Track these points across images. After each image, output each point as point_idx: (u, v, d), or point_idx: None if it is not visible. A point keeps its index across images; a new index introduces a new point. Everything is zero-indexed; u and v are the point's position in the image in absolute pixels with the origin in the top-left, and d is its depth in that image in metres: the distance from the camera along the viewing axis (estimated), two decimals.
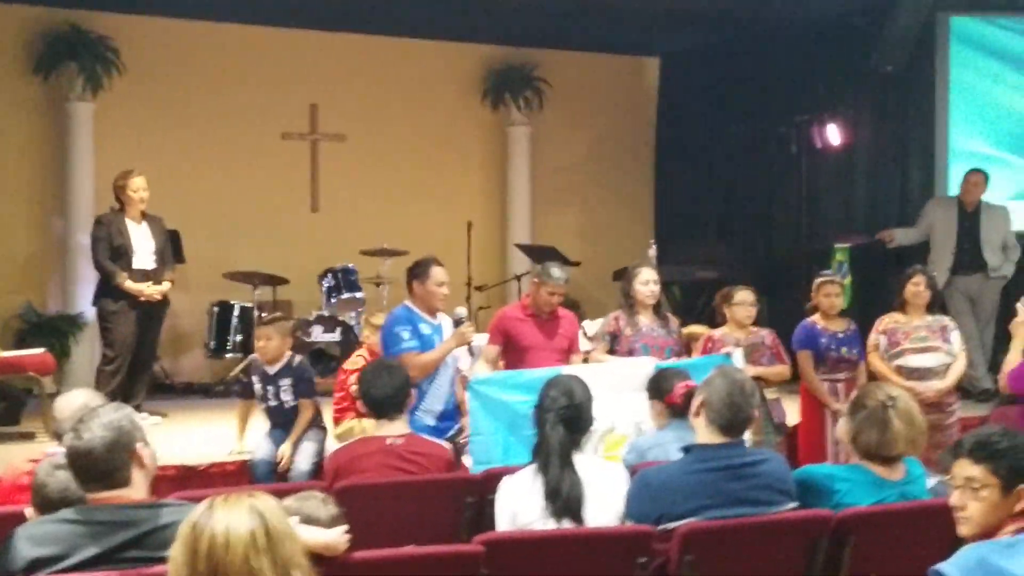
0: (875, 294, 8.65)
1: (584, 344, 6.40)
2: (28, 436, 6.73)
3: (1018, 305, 5.21)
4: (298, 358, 6.07)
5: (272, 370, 5.99)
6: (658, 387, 4.61)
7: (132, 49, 9.58)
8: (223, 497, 2.08)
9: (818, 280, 6.64)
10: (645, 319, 6.19)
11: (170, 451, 6.29)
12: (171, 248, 7.64)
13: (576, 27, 10.38)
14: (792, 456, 6.45)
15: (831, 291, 6.52)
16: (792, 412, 6.61)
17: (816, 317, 6.52)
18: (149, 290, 7.23)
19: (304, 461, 5.72)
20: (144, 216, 7.39)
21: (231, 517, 2.01)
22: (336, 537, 2.95)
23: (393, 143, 10.70)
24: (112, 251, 7.21)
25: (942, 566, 2.64)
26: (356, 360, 6.21)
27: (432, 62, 10.89)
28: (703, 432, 3.62)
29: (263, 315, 8.95)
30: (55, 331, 8.85)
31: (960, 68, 9.31)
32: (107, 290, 7.26)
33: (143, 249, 7.32)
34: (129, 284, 7.18)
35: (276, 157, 10.31)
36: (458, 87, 11.05)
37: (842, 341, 6.44)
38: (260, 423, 6.14)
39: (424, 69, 10.84)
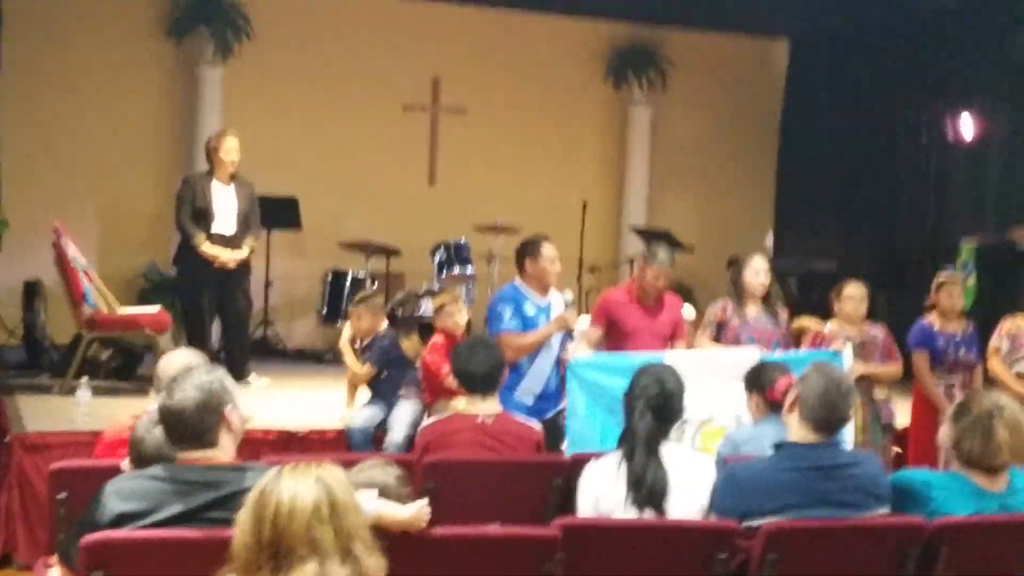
0: (1001, 295, 8.35)
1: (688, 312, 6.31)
2: (141, 391, 6.96)
3: None
4: (389, 334, 6.15)
5: (365, 343, 6.14)
6: (758, 380, 4.53)
7: (262, 16, 9.80)
8: (292, 465, 2.12)
9: (939, 278, 6.45)
10: (753, 310, 6.09)
11: (276, 416, 6.47)
12: (258, 214, 7.48)
13: (703, 6, 10.22)
14: (902, 459, 6.30)
15: (953, 291, 6.33)
16: (904, 413, 6.43)
17: (933, 316, 6.33)
18: (224, 255, 7.15)
19: (398, 432, 5.79)
20: (233, 179, 7.28)
21: (297, 486, 2.05)
22: (417, 512, 2.98)
23: (513, 118, 10.72)
24: (194, 212, 7.15)
25: None
26: (433, 347, 6.21)
27: (555, 38, 10.86)
28: (796, 429, 3.54)
29: (371, 286, 9.14)
30: (176, 290, 9.12)
31: None
32: (186, 252, 7.24)
33: (226, 212, 7.22)
34: (205, 248, 7.11)
35: (396, 128, 10.43)
36: (581, 64, 10.99)
37: (960, 343, 6.25)
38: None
39: (547, 45, 10.82)
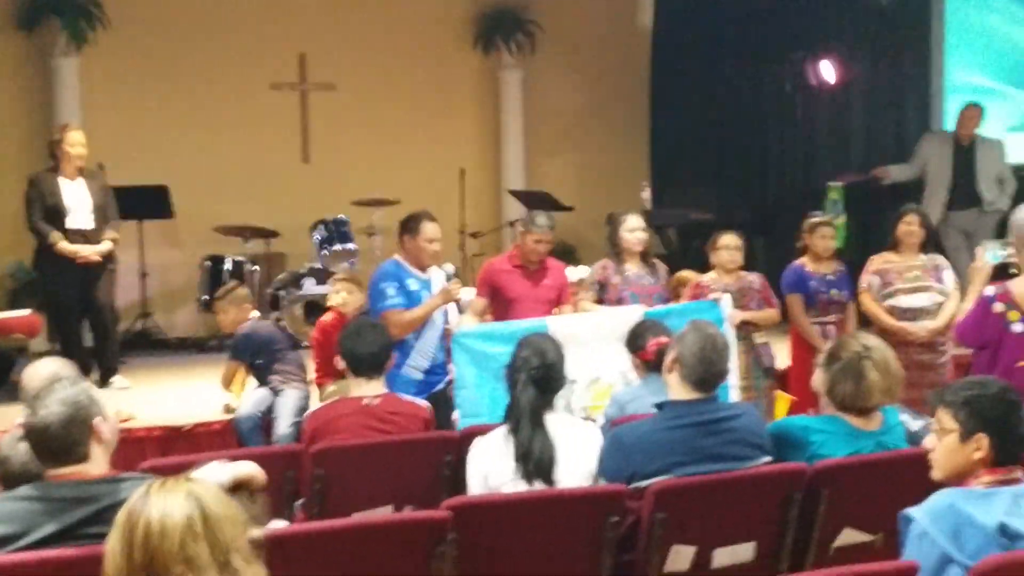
0: (871, 233, 8.59)
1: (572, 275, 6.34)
2: (16, 398, 6.72)
3: (977, 249, 5.08)
4: (248, 325, 6.08)
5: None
6: (634, 341, 4.58)
7: (116, 2, 9.45)
8: (160, 482, 2.05)
9: (811, 221, 6.57)
10: (633, 267, 6.15)
11: (159, 411, 6.32)
12: (115, 205, 7.19)
13: None
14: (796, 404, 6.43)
15: (825, 232, 6.46)
16: (783, 355, 6.58)
17: (805, 259, 6.46)
18: (85, 251, 6.87)
19: (283, 424, 5.72)
20: (81, 172, 7.00)
21: (167, 503, 1.98)
22: (253, 468, 2.87)
23: (383, 91, 10.57)
24: (45, 211, 6.86)
25: (912, 510, 2.66)
26: (327, 324, 6.15)
27: (421, 6, 10.72)
28: (676, 388, 3.58)
29: (252, 268, 8.98)
30: (40, 293, 8.83)
31: (956, 0, 9.15)
32: (45, 254, 6.95)
33: (79, 208, 6.93)
34: (63, 246, 6.82)
35: (265, 108, 10.19)
36: (448, 32, 10.89)
37: (832, 283, 6.39)
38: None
39: (413, 14, 10.68)
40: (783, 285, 6.43)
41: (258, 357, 5.99)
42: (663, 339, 4.35)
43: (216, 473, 2.71)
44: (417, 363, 5.65)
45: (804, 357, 6.35)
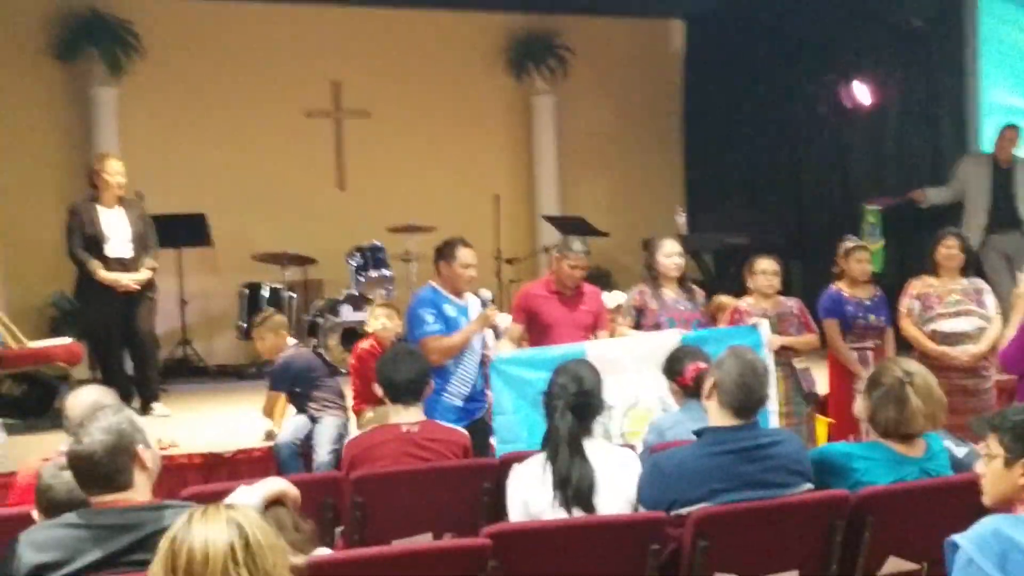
0: (909, 257, 8.52)
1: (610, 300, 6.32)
2: (59, 425, 6.78)
3: (1019, 274, 5.02)
4: (287, 353, 6.09)
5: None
6: (671, 368, 4.55)
7: (153, 32, 9.61)
8: (202, 510, 2.06)
9: (846, 246, 6.52)
10: (670, 292, 6.12)
11: (200, 437, 6.36)
12: (154, 233, 7.26)
13: None
14: (833, 428, 6.38)
15: (861, 257, 6.41)
16: (822, 381, 6.52)
17: (842, 284, 6.41)
18: (125, 279, 6.94)
19: (323, 452, 5.74)
20: (120, 201, 7.07)
21: (209, 530, 1.99)
22: (284, 484, 2.86)
23: (417, 118, 10.65)
24: (85, 240, 6.92)
25: (957, 537, 2.64)
26: (365, 352, 6.17)
27: (453, 33, 10.81)
28: (715, 414, 3.56)
29: (289, 296, 9.03)
30: (82, 322, 8.92)
31: (991, 20, 9.09)
32: (86, 283, 7.01)
33: (118, 237, 7.00)
34: (103, 274, 6.89)
35: (300, 135, 10.32)
36: (480, 58, 10.96)
37: (869, 308, 6.34)
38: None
39: (445, 41, 10.77)
40: (820, 310, 6.38)
41: (296, 385, 6.01)
42: (701, 364, 4.33)
43: (247, 496, 2.71)
44: (456, 390, 5.64)
45: (842, 382, 6.31)
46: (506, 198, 10.46)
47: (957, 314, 6.20)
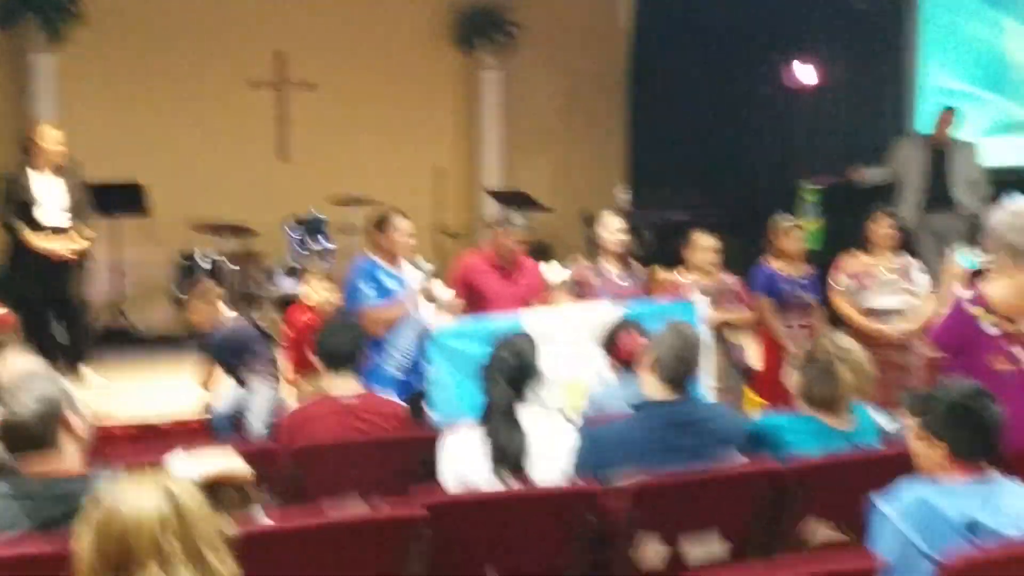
0: (846, 235, 8.62)
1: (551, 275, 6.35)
2: None
3: (949, 252, 5.13)
4: (224, 324, 6.04)
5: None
6: (609, 340, 4.59)
7: None
8: (133, 477, 2.04)
9: (784, 224, 6.58)
10: (612, 267, 6.16)
11: (134, 408, 6.30)
12: (90, 201, 7.13)
13: None
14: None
15: (796, 235, 6.48)
16: (754, 356, 6.60)
17: (775, 261, 6.47)
18: (60, 248, 6.83)
19: (256, 422, 5.71)
20: (57, 170, 6.94)
21: (140, 497, 1.98)
22: (236, 462, 2.85)
23: (362, 90, 10.56)
24: (17, 207, 6.80)
25: (881, 501, 2.70)
26: (302, 323, 6.14)
27: (401, 7, 10.72)
28: (652, 387, 3.60)
29: (229, 267, 8.95)
30: (8, 289, 8.75)
31: (933, 5, 9.22)
32: (18, 250, 6.89)
33: (52, 204, 6.88)
34: (38, 243, 6.79)
35: (243, 106, 10.16)
36: (428, 32, 10.89)
37: (802, 286, 6.41)
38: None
39: (393, 14, 10.67)
40: (752, 286, 6.44)
41: (234, 356, 5.97)
42: (637, 338, 4.37)
43: (188, 469, 2.69)
44: (396, 361, 5.64)
45: (774, 358, 6.40)
46: (449, 171, 10.45)
47: (889, 291, 6.30)
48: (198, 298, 6.08)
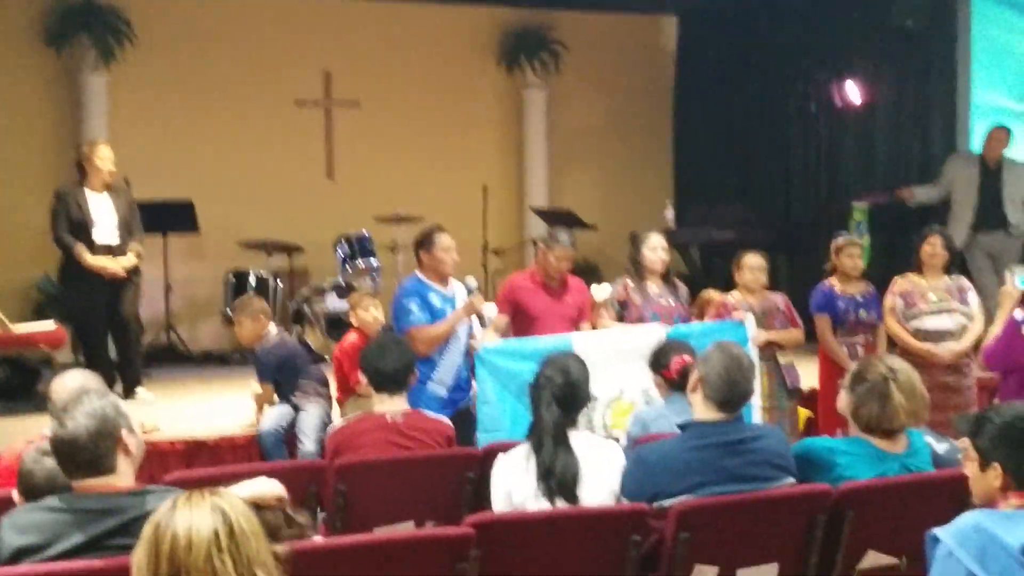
0: (895, 254, 8.56)
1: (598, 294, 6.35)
2: (40, 409, 6.75)
3: (1005, 272, 5.06)
4: (272, 342, 6.05)
5: (256, 350, 6.12)
6: (657, 360, 4.58)
7: (144, 20, 9.57)
8: (186, 496, 2.06)
9: (838, 241, 6.53)
10: (654, 286, 6.14)
11: (182, 424, 6.35)
12: (140, 219, 7.20)
13: None
14: (814, 423, 6.42)
15: (854, 252, 6.42)
16: (810, 376, 6.54)
17: (833, 280, 6.43)
18: (112, 266, 6.90)
19: (308, 442, 5.73)
20: (108, 188, 7.02)
21: (193, 517, 1.99)
22: (268, 485, 2.85)
23: (407, 108, 10.63)
24: (71, 225, 6.88)
25: (938, 530, 2.66)
26: (348, 344, 6.16)
27: (446, 26, 10.79)
28: (700, 408, 3.58)
29: (275, 284, 9.03)
30: (66, 307, 8.88)
31: (983, 22, 9.11)
32: (71, 267, 6.97)
33: (104, 222, 6.96)
34: (90, 259, 6.85)
35: (290, 124, 10.28)
36: (472, 51, 10.95)
37: (860, 304, 6.36)
38: None
39: (437, 33, 10.75)
40: (812, 305, 6.41)
41: (280, 373, 6.00)
42: (687, 358, 4.35)
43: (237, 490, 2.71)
44: (442, 379, 5.66)
45: (833, 378, 6.28)
46: (494, 190, 10.45)
47: (940, 311, 6.24)
48: (243, 313, 6.11)
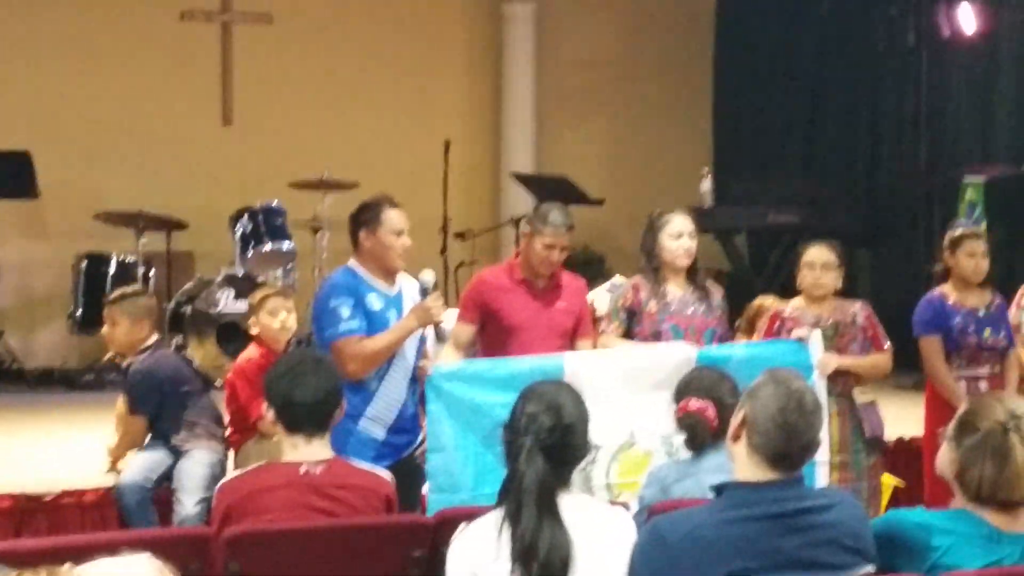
0: (1020, 248, 8.64)
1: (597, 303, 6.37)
2: None
3: None
4: (154, 358, 6.08)
5: (126, 363, 6.10)
6: (681, 393, 4.60)
7: None
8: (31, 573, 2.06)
9: (955, 233, 6.56)
10: (676, 288, 6.15)
11: (8, 472, 6.34)
12: None
13: None
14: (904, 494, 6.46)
15: (976, 249, 6.43)
16: (903, 422, 6.59)
17: (946, 287, 6.46)
18: None
19: (189, 500, 5.74)
20: None
21: None
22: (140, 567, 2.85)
23: (338, 28, 10.65)
24: None
25: None
26: (246, 362, 6.15)
27: None
28: (744, 464, 3.58)
29: (146, 273, 9.00)
30: None
31: None
32: None
33: None
34: None
35: (171, 47, 10.30)
36: None
37: (985, 321, 6.39)
38: None
39: None
40: (916, 322, 6.44)
41: (166, 399, 6.01)
42: (696, 402, 4.44)
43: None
44: (378, 415, 5.67)
45: (943, 424, 6.35)
46: (461, 147, 10.49)
47: None
48: (123, 312, 6.08)
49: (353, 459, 4.66)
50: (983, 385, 6.28)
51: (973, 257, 6.40)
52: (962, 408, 3.80)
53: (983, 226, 8.93)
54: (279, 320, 6.18)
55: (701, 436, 4.46)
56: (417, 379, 5.73)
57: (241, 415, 6.02)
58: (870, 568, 3.58)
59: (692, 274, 6.21)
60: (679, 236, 6.12)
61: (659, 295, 6.10)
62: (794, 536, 3.49)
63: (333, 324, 5.64)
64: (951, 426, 3.74)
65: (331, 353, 5.38)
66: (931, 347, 6.39)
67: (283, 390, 4.42)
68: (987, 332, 6.37)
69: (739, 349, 5.96)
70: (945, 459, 3.71)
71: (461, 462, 5.46)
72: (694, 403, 4.48)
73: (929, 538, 3.64)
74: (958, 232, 6.56)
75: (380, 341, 5.63)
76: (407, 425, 5.77)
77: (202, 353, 8.75)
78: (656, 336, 6.01)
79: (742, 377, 4.56)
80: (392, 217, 5.75)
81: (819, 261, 6.23)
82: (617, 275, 5.92)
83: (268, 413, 4.49)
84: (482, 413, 5.33)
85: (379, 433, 5.68)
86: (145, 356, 6.07)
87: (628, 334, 6.08)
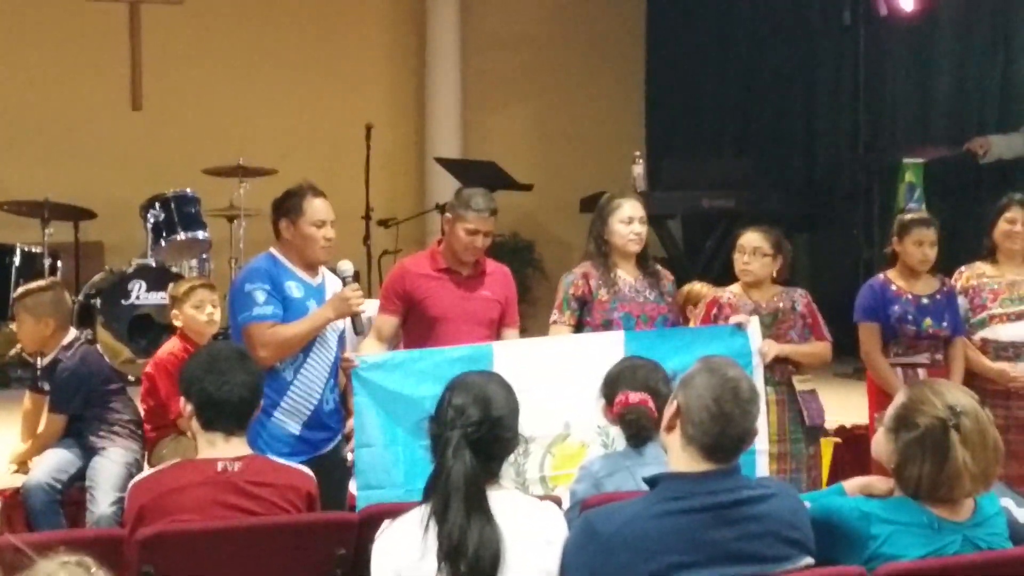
0: (962, 234, 8.71)
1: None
2: None
3: None
4: (68, 353, 6.08)
5: (41, 363, 6.09)
6: (609, 389, 4.62)
7: None
8: None
9: (905, 218, 6.57)
10: (626, 275, 6.18)
11: None
12: None
13: None
14: (839, 475, 6.50)
15: (923, 237, 6.42)
16: (842, 410, 6.63)
17: (892, 273, 6.48)
18: None
19: (103, 500, 5.71)
20: None
21: None
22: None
23: (254, 9, 10.62)
24: None
25: None
26: (167, 356, 6.14)
27: None
28: (678, 455, 3.60)
29: (52, 265, 8.92)
30: None
31: None
32: None
33: None
34: None
35: (77, 25, 10.24)
36: None
37: (928, 308, 6.39)
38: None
39: None
40: (857, 307, 6.47)
41: (70, 399, 6.01)
42: (634, 395, 4.45)
43: None
44: (296, 407, 5.64)
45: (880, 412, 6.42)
46: (383, 131, 10.47)
47: (1020, 316, 6.36)
48: (24, 308, 6.06)
49: (272, 456, 4.66)
50: (921, 373, 6.29)
51: (920, 246, 6.40)
52: (899, 397, 3.80)
53: (922, 209, 9.04)
54: (206, 314, 6.16)
55: (647, 430, 4.45)
56: (339, 371, 5.72)
57: (160, 411, 6.01)
58: (809, 560, 3.61)
59: (642, 260, 6.25)
60: (630, 221, 6.17)
61: (609, 282, 6.13)
62: (730, 528, 3.51)
63: (247, 308, 5.61)
64: (888, 415, 3.76)
65: (242, 337, 5.40)
66: (868, 334, 6.42)
67: (205, 387, 4.38)
68: (927, 321, 6.38)
69: (676, 335, 5.98)
70: (882, 448, 3.74)
71: (391, 457, 5.46)
72: (633, 396, 4.48)
73: (868, 527, 3.67)
74: (907, 218, 6.55)
75: (294, 329, 5.60)
76: (325, 421, 5.74)
77: (111, 349, 8.68)
78: (607, 325, 6.04)
79: (674, 367, 4.59)
80: (315, 207, 5.73)
81: (749, 246, 6.27)
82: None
83: (186, 408, 4.46)
84: (411, 405, 5.33)
85: (294, 427, 5.64)
86: (71, 354, 6.06)
87: (579, 324, 6.11)
